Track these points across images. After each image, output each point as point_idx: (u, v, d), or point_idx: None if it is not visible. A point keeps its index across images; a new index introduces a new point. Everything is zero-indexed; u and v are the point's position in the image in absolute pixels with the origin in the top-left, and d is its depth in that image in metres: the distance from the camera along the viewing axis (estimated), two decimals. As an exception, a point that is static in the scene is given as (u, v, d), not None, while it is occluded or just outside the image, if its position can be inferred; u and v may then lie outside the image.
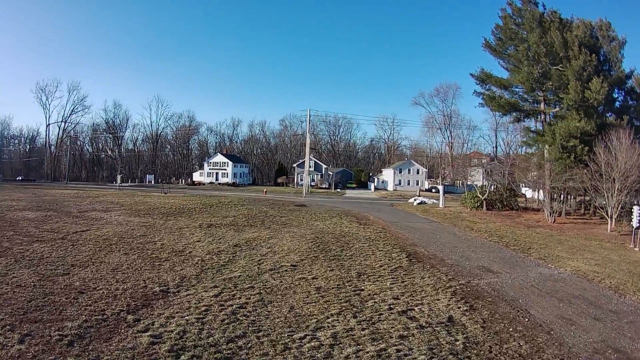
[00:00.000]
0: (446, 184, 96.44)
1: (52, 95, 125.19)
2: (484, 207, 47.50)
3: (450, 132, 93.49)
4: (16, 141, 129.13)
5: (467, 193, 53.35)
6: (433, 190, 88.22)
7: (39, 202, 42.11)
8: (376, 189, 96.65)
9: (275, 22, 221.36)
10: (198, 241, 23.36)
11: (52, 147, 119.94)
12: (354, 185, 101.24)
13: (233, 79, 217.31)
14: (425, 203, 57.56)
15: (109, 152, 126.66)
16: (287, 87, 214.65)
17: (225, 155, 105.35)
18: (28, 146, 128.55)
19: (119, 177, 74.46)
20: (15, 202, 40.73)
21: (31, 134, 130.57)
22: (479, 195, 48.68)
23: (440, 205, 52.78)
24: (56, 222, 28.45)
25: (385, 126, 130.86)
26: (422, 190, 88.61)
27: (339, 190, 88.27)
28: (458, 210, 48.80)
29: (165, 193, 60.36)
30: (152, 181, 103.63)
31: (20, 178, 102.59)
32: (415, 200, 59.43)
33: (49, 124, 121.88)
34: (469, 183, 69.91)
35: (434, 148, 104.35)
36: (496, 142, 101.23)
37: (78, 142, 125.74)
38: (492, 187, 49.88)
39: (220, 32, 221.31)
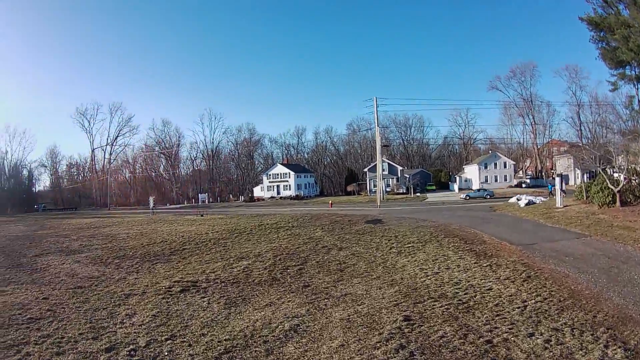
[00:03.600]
0: (529, 177, 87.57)
1: (94, 118, 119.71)
2: (617, 203, 31.27)
3: (533, 118, 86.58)
4: (73, 170, 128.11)
5: (585, 184, 38.49)
6: (523, 185, 79.68)
7: (10, 237, 34.68)
8: (460, 189, 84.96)
9: (334, 20, 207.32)
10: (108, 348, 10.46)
11: (99, 172, 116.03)
12: (434, 187, 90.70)
13: (293, 85, 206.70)
14: (533, 203, 43.75)
15: (162, 173, 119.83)
16: (352, 87, 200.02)
17: (286, 166, 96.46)
18: (80, 173, 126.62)
19: (151, 200, 65.50)
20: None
21: (75, 160, 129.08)
22: (610, 186, 31.95)
23: (559, 205, 37.51)
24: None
25: (459, 120, 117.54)
26: (511, 186, 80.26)
27: (418, 194, 77.93)
28: (584, 209, 33.30)
29: (202, 215, 49.97)
30: (206, 200, 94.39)
31: (41, 206, 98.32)
32: (519, 200, 45.80)
33: (93, 149, 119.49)
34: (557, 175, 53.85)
35: (514, 138, 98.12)
36: (580, 125, 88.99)
37: (128, 165, 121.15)
38: (621, 175, 33.37)
39: (274, 38, 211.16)
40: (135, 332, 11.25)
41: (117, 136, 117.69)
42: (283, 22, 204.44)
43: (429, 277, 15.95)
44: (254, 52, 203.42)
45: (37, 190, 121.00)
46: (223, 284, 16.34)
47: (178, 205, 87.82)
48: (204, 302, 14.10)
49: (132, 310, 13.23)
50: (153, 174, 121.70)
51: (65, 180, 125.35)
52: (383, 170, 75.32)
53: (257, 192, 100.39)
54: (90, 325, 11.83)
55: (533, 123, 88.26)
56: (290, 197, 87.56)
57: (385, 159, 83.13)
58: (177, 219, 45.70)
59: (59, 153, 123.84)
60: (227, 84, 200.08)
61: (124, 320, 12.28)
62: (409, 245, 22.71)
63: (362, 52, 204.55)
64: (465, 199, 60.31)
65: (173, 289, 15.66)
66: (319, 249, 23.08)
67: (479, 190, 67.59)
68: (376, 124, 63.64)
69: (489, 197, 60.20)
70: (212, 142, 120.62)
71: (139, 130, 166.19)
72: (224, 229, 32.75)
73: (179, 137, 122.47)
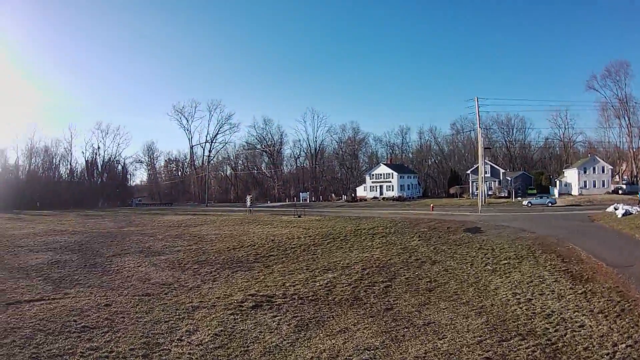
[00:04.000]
0: (625, 182, 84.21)
1: (192, 116, 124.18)
2: None
3: (629, 120, 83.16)
4: (172, 165, 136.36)
5: None
6: (620, 191, 74.82)
7: (92, 234, 35.50)
8: (559, 194, 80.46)
9: (438, 18, 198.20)
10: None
11: (199, 168, 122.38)
12: (535, 192, 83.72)
13: (398, 83, 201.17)
14: (630, 213, 38.84)
15: (264, 171, 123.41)
16: (456, 84, 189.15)
17: (389, 166, 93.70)
18: (179, 169, 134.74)
19: (248, 199, 66.14)
20: (62, 232, 35.34)
21: (174, 156, 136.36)
22: None
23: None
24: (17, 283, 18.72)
25: (559, 121, 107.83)
26: (609, 192, 75.81)
27: (519, 198, 74.71)
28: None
29: (299, 216, 48.97)
30: (307, 199, 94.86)
31: (136, 201, 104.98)
32: (616, 209, 40.96)
33: (192, 146, 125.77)
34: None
35: (611, 141, 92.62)
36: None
37: (229, 161, 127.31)
38: None
39: (376, 37, 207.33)
40: (189, 354, 10.42)
41: (217, 133, 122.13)
42: (386, 21, 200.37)
43: (520, 305, 14.31)
44: (357, 51, 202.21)
45: (133, 184, 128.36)
46: (300, 301, 14.98)
47: (278, 204, 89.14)
48: (274, 322, 12.81)
49: (194, 326, 12.40)
50: (255, 171, 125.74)
51: (163, 175, 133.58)
52: (485, 172, 71.96)
53: (360, 191, 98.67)
54: (145, 340, 11.30)
55: (629, 125, 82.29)
56: (393, 198, 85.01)
57: (487, 161, 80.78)
58: (273, 219, 45.60)
59: (156, 149, 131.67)
60: (330, 82, 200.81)
61: (183, 338, 11.47)
62: (505, 262, 20.63)
63: (464, 49, 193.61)
64: (527, 205, 58.78)
65: (245, 303, 14.69)
66: (412, 261, 21.27)
67: (541, 197, 66.05)
68: (478, 125, 60.78)
69: (550, 204, 58.33)
70: (315, 141, 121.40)
71: (239, 127, 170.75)
72: (318, 233, 31.61)
73: (281, 135, 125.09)
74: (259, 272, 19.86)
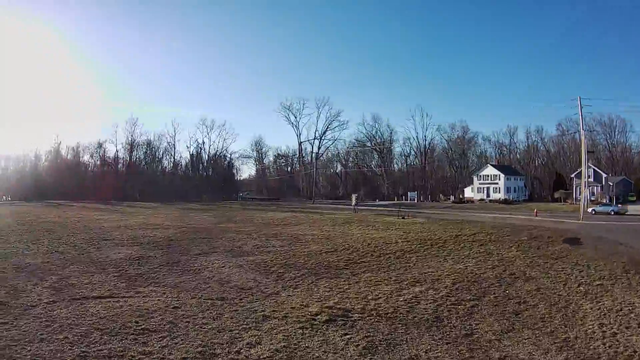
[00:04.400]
0: None
1: (300, 113, 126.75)
2: None
3: None
4: (281, 161, 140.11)
5: None
6: None
7: (186, 229, 35.89)
8: None
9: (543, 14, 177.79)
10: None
11: (307, 164, 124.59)
12: (634, 198, 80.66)
13: (504, 82, 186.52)
14: None
15: (375, 168, 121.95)
16: (562, 83, 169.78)
17: (496, 167, 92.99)
18: (287, 165, 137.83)
19: (354, 198, 65.56)
20: (155, 227, 36.74)
21: (283, 151, 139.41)
22: None
23: None
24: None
25: None
26: None
27: (620, 205, 69.45)
28: None
29: (403, 218, 47.64)
30: (415, 199, 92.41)
31: (242, 195, 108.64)
32: None
33: (300, 142, 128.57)
34: None
35: None
36: None
37: (338, 158, 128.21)
38: None
39: (482, 37, 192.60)
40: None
41: (325, 130, 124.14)
42: (496, 18, 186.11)
43: (604, 341, 12.50)
44: (463, 50, 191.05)
45: (240, 179, 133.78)
46: (377, 319, 13.53)
47: (385, 202, 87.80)
48: (342, 341, 11.66)
49: (258, 338, 11.64)
50: (364, 168, 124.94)
51: (270, 170, 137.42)
52: (588, 177, 71.69)
53: (468, 192, 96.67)
54: (202, 349, 10.77)
55: None
56: (499, 201, 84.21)
57: (590, 165, 78.06)
58: (376, 220, 44.59)
59: (264, 144, 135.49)
60: (438, 80, 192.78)
61: (241, 351, 10.78)
62: (599, 282, 18.79)
63: (568, 48, 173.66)
64: (592, 213, 56.76)
65: (319, 317, 13.59)
66: (505, 277, 19.29)
67: (606, 204, 65.06)
68: (581, 127, 59.70)
69: (612, 213, 56.58)
70: (425, 139, 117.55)
71: (348, 125, 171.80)
72: (417, 237, 29.98)
73: (391, 133, 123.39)
74: (344, 281, 18.60)
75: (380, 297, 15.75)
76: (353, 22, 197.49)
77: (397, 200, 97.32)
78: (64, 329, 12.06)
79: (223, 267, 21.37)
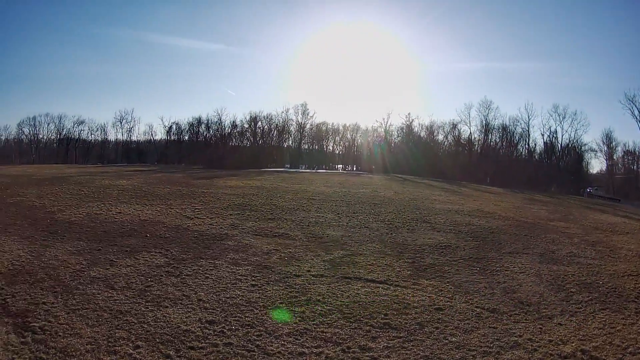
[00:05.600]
0: None
1: None
2: None
3: None
4: (628, 158, 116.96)
5: None
6: None
7: (514, 221, 32.58)
8: None
9: None
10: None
11: None
12: None
13: None
14: None
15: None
16: None
17: None
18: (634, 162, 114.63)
19: None
20: (486, 214, 34.51)
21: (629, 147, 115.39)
22: None
23: None
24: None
25: None
26: None
27: None
28: None
29: None
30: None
31: (593, 190, 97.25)
32: None
33: None
34: None
35: None
36: None
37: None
38: None
39: None
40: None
41: None
42: None
43: None
44: None
45: (590, 173, 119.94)
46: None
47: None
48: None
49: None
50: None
51: (618, 166, 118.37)
52: None
53: None
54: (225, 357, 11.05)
55: None
56: None
57: None
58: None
59: (614, 138, 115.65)
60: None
61: None
62: None
63: None
64: None
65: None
66: None
67: None
68: None
69: None
70: None
71: None
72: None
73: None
74: (623, 318, 14.57)
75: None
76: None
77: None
78: (309, 302, 13.08)
79: (522, 272, 19.35)
